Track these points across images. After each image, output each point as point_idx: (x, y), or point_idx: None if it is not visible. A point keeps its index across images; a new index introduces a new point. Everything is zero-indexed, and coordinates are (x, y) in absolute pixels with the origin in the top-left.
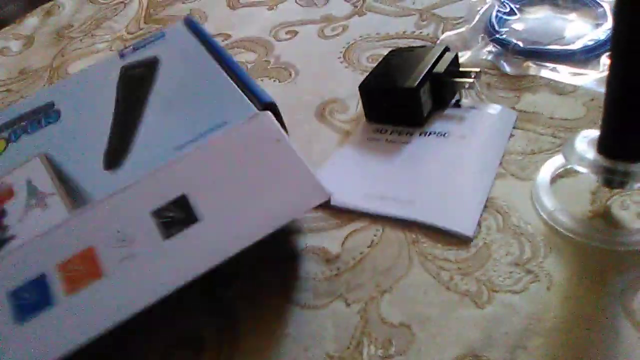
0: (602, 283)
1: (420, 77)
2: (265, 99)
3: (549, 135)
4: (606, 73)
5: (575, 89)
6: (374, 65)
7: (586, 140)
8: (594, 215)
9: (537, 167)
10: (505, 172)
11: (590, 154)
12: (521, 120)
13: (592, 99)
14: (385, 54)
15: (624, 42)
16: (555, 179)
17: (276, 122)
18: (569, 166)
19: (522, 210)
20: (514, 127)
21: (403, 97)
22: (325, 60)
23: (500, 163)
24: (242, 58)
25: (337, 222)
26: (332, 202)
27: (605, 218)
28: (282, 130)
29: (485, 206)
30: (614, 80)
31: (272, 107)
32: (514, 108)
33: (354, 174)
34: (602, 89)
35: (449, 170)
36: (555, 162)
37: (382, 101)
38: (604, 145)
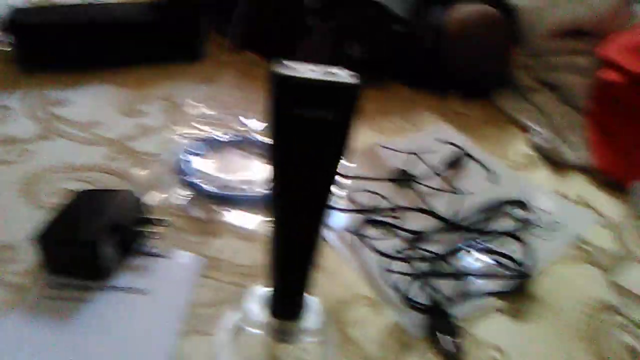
0: None
1: (102, 228)
2: None
3: (232, 283)
4: None
5: (256, 235)
6: (58, 202)
7: (257, 299)
8: None
9: (220, 319)
10: (189, 329)
11: (260, 314)
12: (208, 267)
13: None
14: (72, 194)
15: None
16: (236, 331)
17: None
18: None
19: None
20: (201, 276)
21: (82, 250)
22: (1, 195)
23: (185, 318)
24: None
25: None
26: None
27: None
28: None
29: None
30: (271, 247)
31: None
32: (202, 254)
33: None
34: None
35: (128, 339)
36: (234, 316)
37: (62, 253)
38: (271, 307)
